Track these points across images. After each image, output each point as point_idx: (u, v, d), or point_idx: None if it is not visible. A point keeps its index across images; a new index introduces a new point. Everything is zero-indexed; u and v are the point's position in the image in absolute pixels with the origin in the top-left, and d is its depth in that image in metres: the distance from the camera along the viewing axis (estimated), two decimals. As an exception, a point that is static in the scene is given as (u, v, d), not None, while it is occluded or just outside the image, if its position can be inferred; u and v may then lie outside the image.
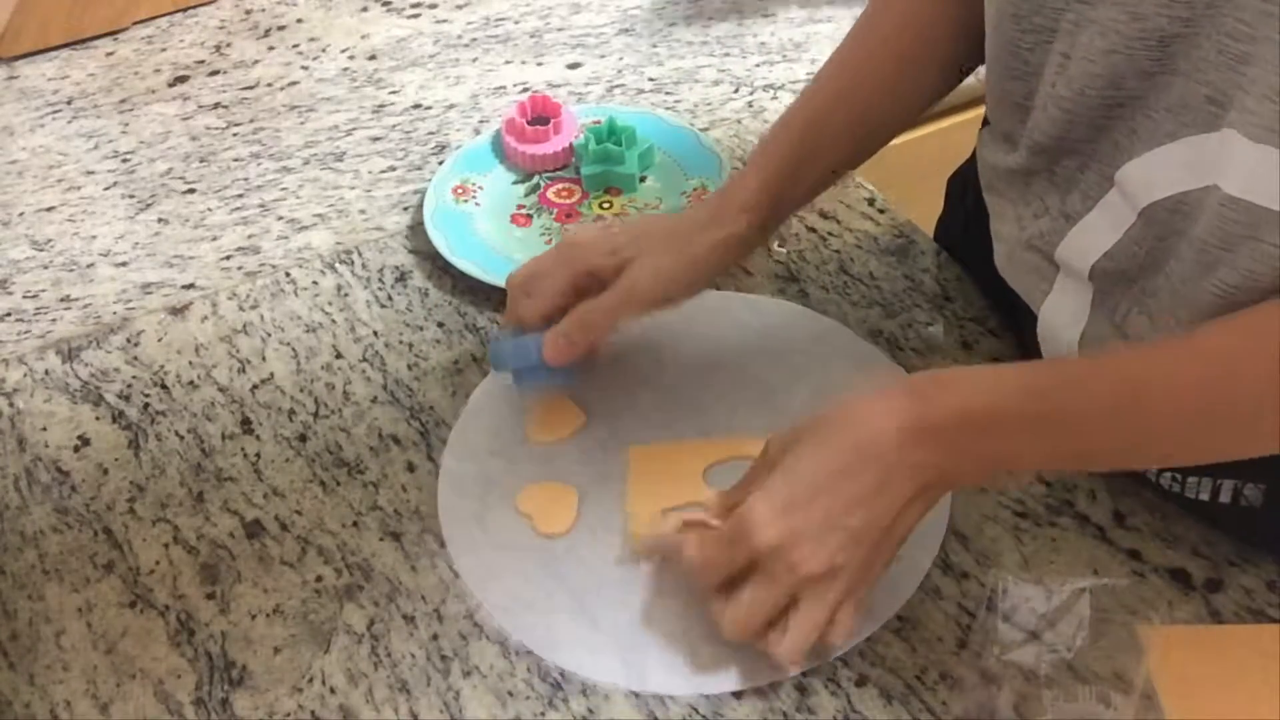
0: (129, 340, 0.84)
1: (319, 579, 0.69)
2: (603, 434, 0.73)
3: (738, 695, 0.62)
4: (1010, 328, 0.78)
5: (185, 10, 1.16)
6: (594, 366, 0.75)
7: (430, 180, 0.92)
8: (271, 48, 1.10)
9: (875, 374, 0.73)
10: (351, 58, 1.08)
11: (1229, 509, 0.65)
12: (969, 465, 0.59)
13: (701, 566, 0.60)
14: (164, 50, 1.11)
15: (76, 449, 0.77)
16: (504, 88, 1.03)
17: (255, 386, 0.80)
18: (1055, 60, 0.61)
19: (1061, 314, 0.67)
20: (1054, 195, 0.66)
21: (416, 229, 0.89)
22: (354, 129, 1.01)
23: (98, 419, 0.79)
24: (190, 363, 0.82)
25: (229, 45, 1.11)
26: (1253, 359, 0.53)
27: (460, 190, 0.91)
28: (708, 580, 0.60)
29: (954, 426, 0.57)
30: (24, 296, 0.88)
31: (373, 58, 1.08)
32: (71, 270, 0.90)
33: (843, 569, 0.57)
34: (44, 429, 0.78)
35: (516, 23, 1.11)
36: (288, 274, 0.88)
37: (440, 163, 0.94)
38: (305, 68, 1.08)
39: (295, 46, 1.10)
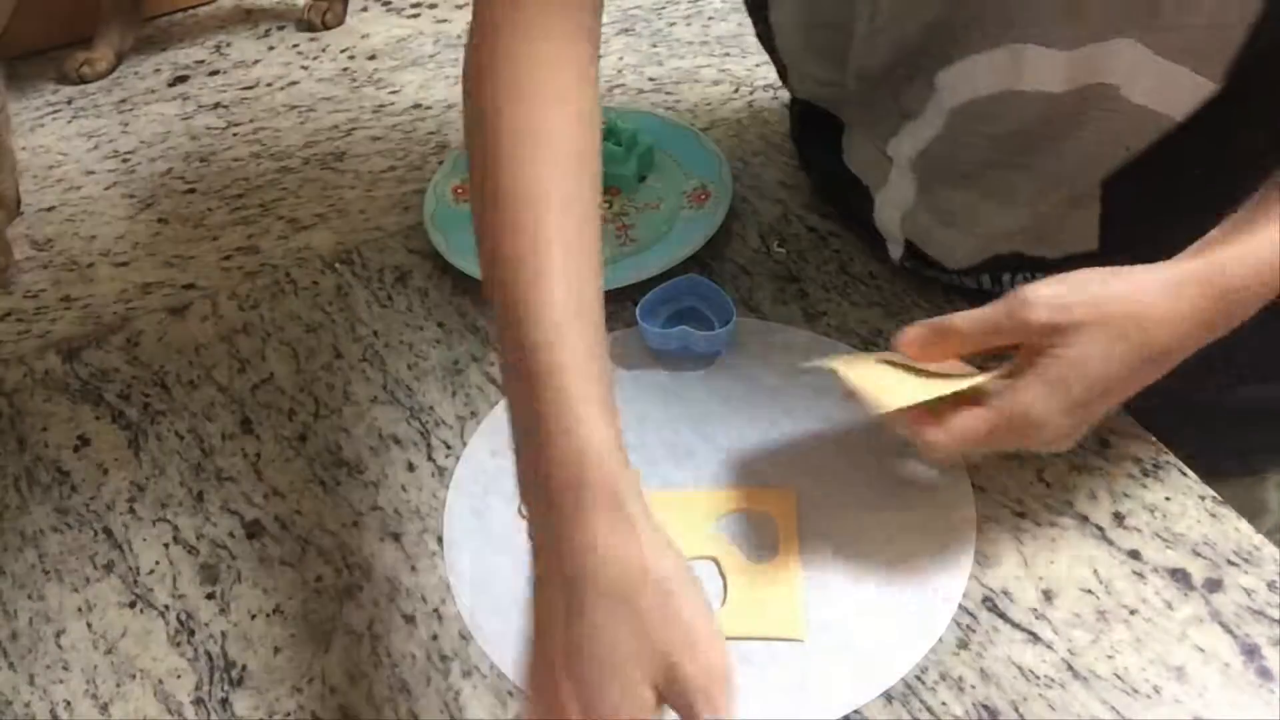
0: (129, 340, 0.84)
1: (319, 579, 0.69)
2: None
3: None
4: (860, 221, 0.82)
5: (185, 10, 1.16)
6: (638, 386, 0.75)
7: (430, 180, 0.92)
8: (271, 48, 1.10)
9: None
10: (351, 58, 1.08)
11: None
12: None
13: (960, 441, 0.58)
14: (164, 50, 1.11)
15: (76, 449, 0.77)
16: (504, 88, 1.03)
17: (255, 386, 0.80)
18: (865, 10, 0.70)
19: (893, 198, 0.77)
20: (887, 103, 0.74)
21: (416, 229, 0.89)
22: (354, 129, 1.01)
23: (98, 419, 0.79)
24: (190, 363, 0.82)
25: (229, 45, 1.11)
26: None
27: (460, 190, 0.91)
28: (957, 449, 0.59)
29: (1241, 316, 0.57)
30: (24, 296, 0.88)
31: (373, 58, 1.08)
32: (71, 270, 0.90)
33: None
34: (44, 429, 0.78)
35: (516, 23, 1.11)
36: (288, 274, 0.88)
37: (440, 163, 0.94)
38: (305, 68, 1.08)
39: (295, 46, 1.10)
